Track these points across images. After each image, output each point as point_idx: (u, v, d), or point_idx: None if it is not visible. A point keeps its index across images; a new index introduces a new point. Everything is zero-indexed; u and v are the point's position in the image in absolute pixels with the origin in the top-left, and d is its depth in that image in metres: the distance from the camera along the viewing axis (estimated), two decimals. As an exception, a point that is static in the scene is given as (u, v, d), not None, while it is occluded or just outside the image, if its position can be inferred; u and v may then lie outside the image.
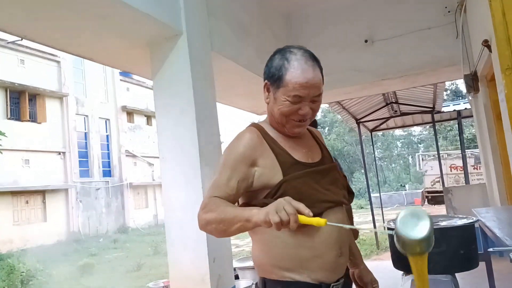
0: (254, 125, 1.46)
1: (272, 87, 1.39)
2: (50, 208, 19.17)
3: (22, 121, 18.50)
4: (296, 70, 1.33)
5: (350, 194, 1.58)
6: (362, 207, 22.71)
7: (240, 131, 1.44)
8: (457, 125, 12.43)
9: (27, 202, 18.36)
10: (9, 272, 10.25)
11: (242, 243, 13.29)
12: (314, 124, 4.78)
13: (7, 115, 17.87)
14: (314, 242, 1.29)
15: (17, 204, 17.91)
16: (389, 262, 2.94)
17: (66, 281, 10.04)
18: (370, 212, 9.60)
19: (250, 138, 1.39)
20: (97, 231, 20.78)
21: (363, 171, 23.62)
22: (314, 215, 1.27)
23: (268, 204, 1.25)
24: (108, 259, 13.15)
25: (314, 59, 1.38)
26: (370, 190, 10.36)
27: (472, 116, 5.63)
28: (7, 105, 17.95)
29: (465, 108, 9.95)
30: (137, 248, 15.19)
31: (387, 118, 10.12)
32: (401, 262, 2.42)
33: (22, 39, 13.91)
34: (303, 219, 1.11)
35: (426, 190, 19.01)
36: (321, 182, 1.38)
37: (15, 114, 18.42)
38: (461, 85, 35.11)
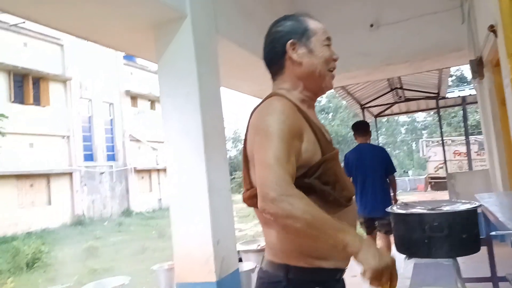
0: (283, 96, 1.32)
1: (301, 42, 1.34)
2: (55, 192, 19.32)
3: (26, 104, 18.52)
4: (311, 20, 1.39)
5: None
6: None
7: (269, 102, 1.29)
8: (461, 111, 12.37)
9: (31, 185, 18.50)
10: (15, 254, 10.40)
11: (245, 227, 13.40)
12: (366, 126, 4.74)
13: (10, 99, 17.89)
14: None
15: (21, 187, 18.06)
16: (392, 246, 2.97)
17: (71, 263, 10.17)
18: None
19: (290, 108, 1.25)
20: (101, 214, 20.97)
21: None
22: (349, 198, 1.32)
23: (313, 185, 1.21)
24: (112, 242, 13.30)
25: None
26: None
27: (476, 102, 5.60)
28: (10, 88, 17.96)
29: (470, 94, 9.90)
30: (142, 231, 15.34)
31: (392, 104, 10.09)
32: (403, 246, 2.45)
33: (25, 22, 13.85)
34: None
35: (429, 176, 19.04)
36: (341, 166, 1.37)
37: (19, 97, 18.43)
38: (466, 71, 34.83)
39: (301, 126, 1.24)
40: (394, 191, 4.67)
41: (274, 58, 1.38)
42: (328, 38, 1.37)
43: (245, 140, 1.33)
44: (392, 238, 3.28)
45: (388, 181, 4.57)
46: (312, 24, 1.37)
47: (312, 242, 1.16)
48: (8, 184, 17.28)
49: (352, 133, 4.96)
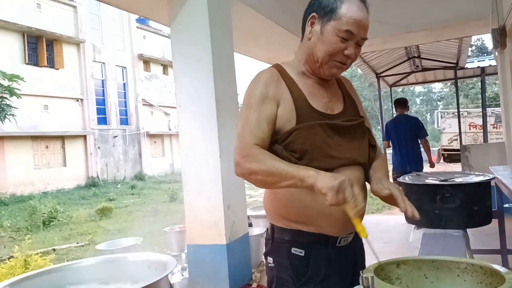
0: (274, 66, 1.40)
1: (320, 20, 1.29)
2: (69, 154, 19.66)
3: (40, 66, 18.59)
4: (352, 5, 1.26)
5: (373, 148, 1.45)
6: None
7: (259, 72, 1.37)
8: (479, 83, 12.09)
9: (47, 147, 18.84)
10: (31, 213, 10.71)
11: (255, 193, 13.56)
12: (405, 101, 5.76)
13: (25, 60, 17.96)
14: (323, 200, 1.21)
15: (37, 148, 18.40)
16: (401, 216, 2.97)
17: (85, 223, 10.45)
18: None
19: (270, 77, 1.32)
20: (114, 177, 21.36)
21: (379, 127, 23.43)
22: (325, 170, 1.22)
23: (276, 151, 1.26)
24: (125, 204, 13.59)
25: (365, 3, 1.32)
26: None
27: (496, 73, 5.44)
28: (25, 50, 17.99)
29: (490, 65, 9.64)
30: (154, 195, 15.62)
31: (408, 73, 9.90)
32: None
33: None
34: (349, 211, 1.11)
35: (443, 148, 18.86)
36: (335, 137, 1.29)
37: (33, 59, 18.49)
38: (487, 41, 33.80)
39: (278, 92, 1.30)
40: (429, 153, 5.74)
41: (303, 23, 1.39)
42: (348, 32, 1.25)
43: None
44: None
45: (421, 144, 5.59)
46: (345, 9, 1.25)
47: (278, 186, 1.22)
48: (24, 145, 17.61)
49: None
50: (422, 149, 5.63)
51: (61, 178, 18.55)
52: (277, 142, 1.28)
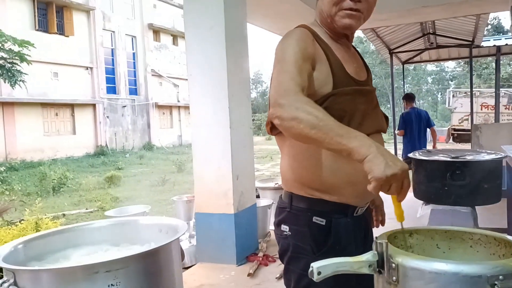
0: (304, 26, 1.33)
1: None
2: (79, 122, 19.78)
3: (50, 33, 18.50)
4: None
5: (386, 120, 1.47)
6: (385, 142, 22.59)
7: (289, 31, 1.29)
8: (493, 64, 11.86)
9: (56, 114, 18.95)
10: (42, 179, 10.88)
11: (262, 167, 13.62)
12: (414, 96, 6.78)
13: (35, 26, 17.87)
14: (351, 169, 1.20)
15: (47, 115, 18.52)
16: (409, 192, 2.97)
17: (94, 190, 10.61)
18: (394, 147, 9.60)
19: (307, 36, 1.25)
20: (123, 147, 21.53)
21: (389, 105, 23.19)
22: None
23: None
24: (133, 173, 13.75)
25: None
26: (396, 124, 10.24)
27: (512, 52, 5.32)
28: (35, 16, 17.88)
29: (506, 44, 9.42)
30: (162, 165, 15.75)
31: (422, 50, 9.72)
32: (422, 192, 2.45)
33: None
34: (393, 198, 1.01)
35: (453, 127, 18.69)
36: (365, 104, 1.30)
37: (43, 25, 18.38)
38: (504, 20, 32.95)
39: (315, 54, 1.23)
40: (435, 139, 6.76)
41: None
42: None
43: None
44: None
45: (430, 131, 6.61)
46: None
47: (318, 144, 1.09)
48: (34, 112, 17.73)
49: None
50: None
51: (70, 145, 18.72)
52: None
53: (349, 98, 1.25)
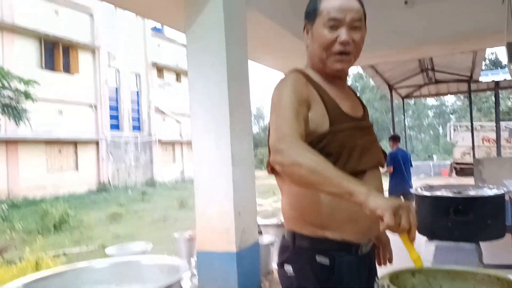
0: (296, 70, 1.37)
1: (309, 25, 1.35)
2: (82, 158, 19.85)
3: (56, 71, 18.88)
4: None
5: (384, 155, 1.49)
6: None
7: (283, 77, 1.35)
8: (493, 97, 11.98)
9: (60, 151, 19.05)
10: (43, 216, 10.82)
11: (265, 202, 13.52)
12: (399, 138, 7.37)
13: (41, 65, 18.27)
14: (351, 205, 1.17)
15: (50, 152, 18.61)
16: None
17: (95, 227, 10.52)
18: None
19: (300, 80, 1.30)
20: (125, 183, 21.49)
21: (391, 139, 23.24)
22: (358, 172, 1.26)
23: None
24: (135, 210, 13.65)
25: None
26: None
27: (511, 87, 5.39)
28: (41, 55, 18.31)
29: (504, 79, 9.55)
30: (164, 201, 15.66)
31: (421, 85, 9.85)
32: (425, 228, 2.43)
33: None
34: (404, 239, 0.99)
35: (455, 161, 18.65)
36: (363, 139, 1.33)
37: (49, 64, 18.79)
38: (501, 55, 33.52)
39: (309, 96, 1.27)
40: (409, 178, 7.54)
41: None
42: (333, 19, 1.27)
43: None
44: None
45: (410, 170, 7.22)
46: (324, 3, 1.29)
47: (318, 188, 1.11)
48: (37, 149, 17.84)
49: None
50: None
51: (72, 182, 18.71)
52: (311, 146, 1.22)
53: (347, 134, 1.28)
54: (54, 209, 11.21)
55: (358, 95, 1.54)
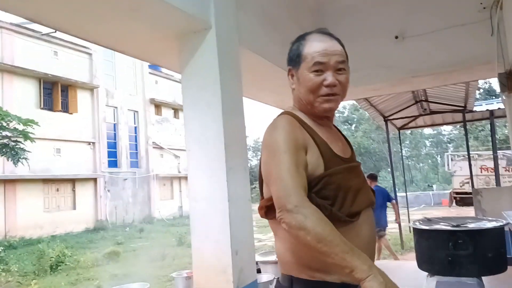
0: (288, 113, 1.38)
1: (294, 69, 1.38)
2: (79, 196, 19.71)
3: (55, 111, 19.04)
4: (312, 42, 1.34)
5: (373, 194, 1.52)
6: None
7: (274, 119, 1.35)
8: (489, 125, 12.07)
9: (57, 190, 18.94)
10: (39, 257, 10.62)
11: (264, 237, 13.33)
12: (377, 176, 7.95)
13: (40, 105, 18.43)
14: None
15: (48, 191, 18.49)
16: (414, 263, 2.91)
17: (92, 268, 10.32)
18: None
19: (294, 123, 1.30)
20: (123, 220, 21.25)
21: (389, 169, 23.27)
22: (354, 214, 1.27)
23: (309, 198, 1.20)
24: (133, 248, 13.43)
25: (331, 34, 1.37)
26: (396, 189, 10.20)
27: (505, 116, 5.44)
28: (40, 95, 18.52)
29: (498, 108, 9.64)
30: (162, 238, 15.44)
31: (416, 116, 9.93)
32: (426, 263, 2.39)
33: (55, 31, 14.31)
34: None
35: (454, 191, 18.56)
36: (356, 181, 1.34)
37: (48, 104, 18.98)
38: (495, 84, 34.00)
39: (305, 139, 1.28)
40: (396, 212, 8.40)
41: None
42: (317, 63, 1.31)
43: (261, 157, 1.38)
44: (383, 241, 7.50)
45: (392, 205, 8.00)
46: (307, 48, 1.34)
47: (321, 257, 1.12)
48: (35, 188, 17.73)
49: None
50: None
51: (70, 221, 18.50)
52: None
53: (341, 176, 1.28)
54: (50, 250, 11.03)
55: (343, 134, 1.56)
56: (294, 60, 1.38)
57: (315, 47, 1.33)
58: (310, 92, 1.33)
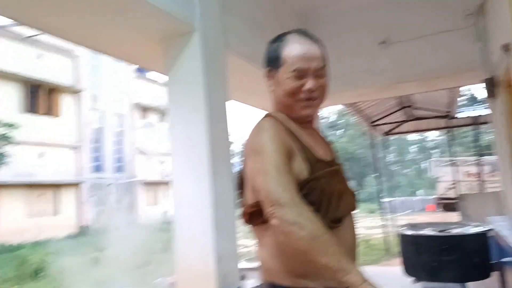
0: (271, 116, 1.36)
1: (273, 71, 1.36)
2: (62, 202, 19.39)
3: (38, 115, 18.73)
4: (292, 44, 1.32)
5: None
6: (373, 212, 22.48)
7: (259, 122, 1.33)
8: (473, 132, 12.24)
9: (40, 195, 18.60)
10: (21, 263, 10.40)
11: (250, 243, 13.27)
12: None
13: (24, 109, 18.12)
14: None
15: (30, 197, 18.15)
16: (399, 268, 2.90)
17: (75, 274, 10.12)
18: (381, 217, 9.56)
19: (277, 127, 1.28)
20: (107, 225, 20.95)
21: (374, 175, 23.44)
22: (337, 219, 1.25)
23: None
24: (117, 254, 13.23)
25: (311, 36, 1.35)
26: (382, 195, 10.26)
27: (487, 122, 5.51)
28: (24, 98, 18.20)
29: (480, 115, 9.80)
30: (146, 243, 15.25)
31: (401, 122, 10.02)
32: (411, 268, 2.38)
33: (40, 34, 14.12)
34: None
35: (439, 196, 18.78)
36: (339, 185, 1.32)
37: (32, 107, 18.67)
38: (478, 90, 34.63)
39: (289, 143, 1.26)
40: None
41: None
42: (297, 69, 1.29)
43: (244, 161, 1.35)
44: None
45: None
46: (287, 51, 1.32)
47: (311, 257, 1.08)
48: (17, 193, 17.39)
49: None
50: None
51: (53, 226, 18.15)
52: None
53: (325, 180, 1.26)
54: (32, 256, 10.81)
55: (324, 136, 1.53)
56: (273, 61, 1.36)
57: (295, 51, 1.31)
58: (288, 96, 1.32)
